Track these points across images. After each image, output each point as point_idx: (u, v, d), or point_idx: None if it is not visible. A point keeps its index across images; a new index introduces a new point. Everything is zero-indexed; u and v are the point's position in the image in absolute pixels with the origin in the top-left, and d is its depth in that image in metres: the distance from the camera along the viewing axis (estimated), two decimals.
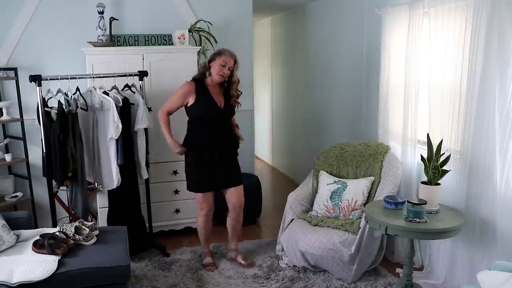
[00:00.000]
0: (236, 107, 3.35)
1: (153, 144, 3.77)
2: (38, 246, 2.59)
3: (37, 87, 3.17)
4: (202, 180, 3.28)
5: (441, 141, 2.91)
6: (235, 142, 3.37)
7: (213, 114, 3.20)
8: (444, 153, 2.88)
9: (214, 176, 3.26)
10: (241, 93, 3.35)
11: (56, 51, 4.04)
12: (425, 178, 2.94)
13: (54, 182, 3.36)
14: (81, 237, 2.74)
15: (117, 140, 3.30)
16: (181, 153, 3.31)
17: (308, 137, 5.57)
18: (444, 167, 2.86)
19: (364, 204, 3.34)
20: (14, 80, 3.87)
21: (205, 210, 3.37)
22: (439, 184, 2.87)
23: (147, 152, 3.60)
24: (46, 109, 3.23)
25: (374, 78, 3.80)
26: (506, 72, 2.52)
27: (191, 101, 3.20)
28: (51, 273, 2.39)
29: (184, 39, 3.94)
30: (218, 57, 3.17)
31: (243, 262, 3.50)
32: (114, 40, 3.97)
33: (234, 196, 3.37)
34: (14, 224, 2.83)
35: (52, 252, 2.54)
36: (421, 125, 3.31)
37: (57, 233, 2.73)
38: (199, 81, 3.24)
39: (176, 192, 4.04)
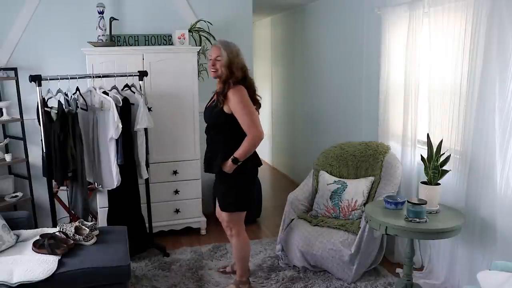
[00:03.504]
0: (220, 106, 2.72)
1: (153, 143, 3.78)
2: (38, 246, 2.59)
3: (37, 87, 3.16)
4: None
5: (441, 141, 2.92)
6: (217, 159, 2.81)
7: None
8: (444, 153, 2.88)
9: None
10: (230, 84, 2.71)
11: (56, 51, 4.03)
12: (425, 178, 2.94)
13: (54, 182, 3.36)
14: (81, 237, 2.74)
15: (117, 140, 3.30)
16: None
17: (308, 137, 5.57)
18: (444, 167, 2.86)
19: (364, 204, 3.34)
20: (14, 80, 3.87)
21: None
22: (439, 184, 2.87)
23: (147, 152, 3.60)
24: (46, 109, 3.23)
25: (374, 78, 3.80)
26: (506, 72, 2.53)
27: None
28: (51, 273, 2.39)
29: (184, 39, 3.94)
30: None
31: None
32: (114, 40, 3.97)
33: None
34: (14, 224, 2.83)
35: (52, 252, 2.54)
36: (421, 125, 3.31)
37: (57, 233, 2.73)
38: None
39: (176, 192, 4.04)
